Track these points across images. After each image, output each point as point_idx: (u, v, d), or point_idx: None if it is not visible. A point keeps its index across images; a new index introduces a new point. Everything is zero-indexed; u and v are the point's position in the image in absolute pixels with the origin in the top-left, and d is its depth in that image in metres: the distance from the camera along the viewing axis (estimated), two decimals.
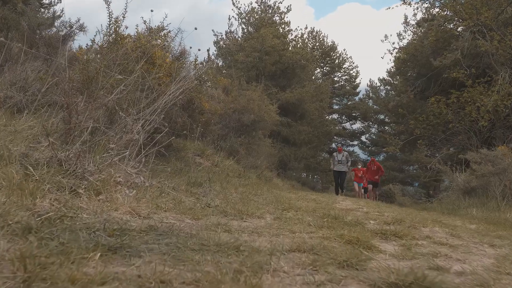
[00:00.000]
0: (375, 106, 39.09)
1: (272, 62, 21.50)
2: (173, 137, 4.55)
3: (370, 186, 15.86)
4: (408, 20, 20.46)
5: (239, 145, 11.21)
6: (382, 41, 18.92)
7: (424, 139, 15.39)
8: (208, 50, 25.16)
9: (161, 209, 2.89)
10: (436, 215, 5.97)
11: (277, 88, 19.37)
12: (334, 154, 15.20)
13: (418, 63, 16.39)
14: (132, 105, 3.67)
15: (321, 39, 38.29)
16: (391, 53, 18.93)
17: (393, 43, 18.77)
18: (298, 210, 3.66)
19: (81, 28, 7.13)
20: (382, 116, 38.96)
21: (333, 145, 43.36)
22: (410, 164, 34.99)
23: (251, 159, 11.75)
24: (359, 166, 16.23)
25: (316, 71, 36.30)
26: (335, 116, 42.04)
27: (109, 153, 3.22)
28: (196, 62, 5.56)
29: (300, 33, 24.98)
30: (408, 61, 16.56)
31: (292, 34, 24.27)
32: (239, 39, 24.34)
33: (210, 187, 5.11)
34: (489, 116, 12.89)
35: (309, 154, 28.06)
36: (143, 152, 3.60)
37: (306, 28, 27.66)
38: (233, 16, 24.34)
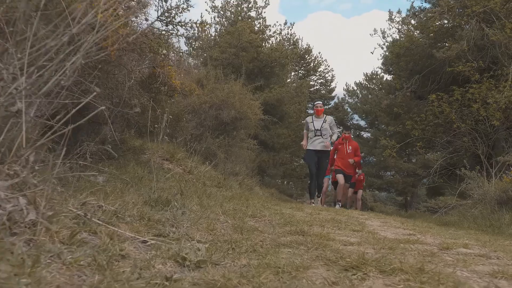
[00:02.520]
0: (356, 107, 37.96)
1: (249, 59, 19.64)
2: (113, 109, 2.55)
3: (339, 177, 10.42)
4: (393, 17, 18.93)
5: (217, 147, 9.21)
6: (371, 35, 17.36)
7: (423, 141, 13.63)
8: None
9: None
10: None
11: (254, 85, 17.48)
12: (308, 119, 9.55)
13: (413, 58, 14.69)
14: (12, 36, 1.70)
15: (296, 41, 36.68)
16: (382, 48, 17.34)
17: (384, 38, 17.02)
18: (380, 270, 1.74)
19: None
20: (359, 120, 37.86)
21: None
22: (388, 170, 33.86)
23: (230, 164, 9.79)
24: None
25: (291, 74, 34.75)
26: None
27: None
28: None
29: (279, 29, 23.10)
30: (402, 55, 14.88)
31: (270, 30, 22.44)
32: (213, 34, 22.45)
33: (183, 206, 3.13)
34: (499, 115, 11.26)
35: (288, 160, 26.40)
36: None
37: (285, 23, 25.92)
38: (206, 10, 22.40)
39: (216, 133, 9.46)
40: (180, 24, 3.36)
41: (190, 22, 3.35)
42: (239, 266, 1.68)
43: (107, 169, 3.58)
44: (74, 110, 1.70)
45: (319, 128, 9.17)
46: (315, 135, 9.17)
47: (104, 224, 1.90)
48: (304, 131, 9.63)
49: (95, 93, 1.79)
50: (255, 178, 12.03)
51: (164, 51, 3.52)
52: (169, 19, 3.31)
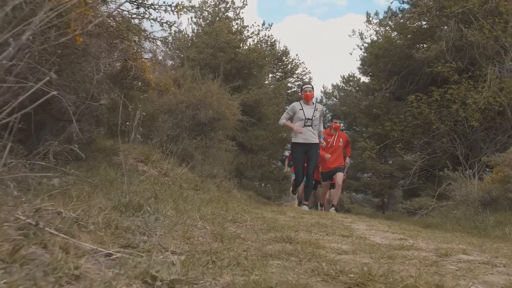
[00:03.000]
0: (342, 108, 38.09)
1: (227, 60, 19.40)
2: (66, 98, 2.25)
3: (340, 175, 8.76)
4: (371, 19, 18.91)
5: (194, 149, 8.89)
6: (349, 36, 17.35)
7: (402, 142, 13.54)
8: None
9: None
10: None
11: (232, 85, 17.24)
12: (296, 105, 7.84)
13: (391, 58, 14.62)
14: None
15: (273, 43, 36.48)
16: (361, 48, 17.32)
17: (362, 39, 16.92)
18: None
19: None
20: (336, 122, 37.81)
21: (286, 153, 41.91)
22: (365, 171, 34.00)
23: (207, 166, 9.48)
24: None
25: (268, 76, 34.59)
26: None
27: None
28: None
29: (257, 30, 22.83)
30: (381, 56, 14.80)
31: (248, 31, 22.21)
32: (191, 34, 22.16)
33: (157, 211, 2.84)
34: (478, 115, 11.25)
35: (266, 162, 26.21)
36: None
37: (263, 24, 25.26)
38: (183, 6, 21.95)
39: (193, 134, 9.13)
40: (152, 6, 3.04)
41: (164, 5, 3.04)
42: (222, 285, 1.40)
43: (73, 171, 3.26)
44: (21, 98, 1.41)
45: (310, 117, 7.49)
46: (305, 125, 7.47)
47: (60, 234, 1.60)
48: (283, 120, 7.93)
49: (47, 79, 1.50)
50: (233, 180, 11.76)
51: (135, 37, 3.20)
52: (140, 1, 2.98)
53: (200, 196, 5.56)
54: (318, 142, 7.75)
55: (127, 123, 3.21)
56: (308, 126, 7.56)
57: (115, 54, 3.37)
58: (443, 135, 12.56)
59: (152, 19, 3.03)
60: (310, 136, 7.57)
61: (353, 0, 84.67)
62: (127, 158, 6.24)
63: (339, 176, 8.80)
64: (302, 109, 7.66)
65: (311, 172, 7.77)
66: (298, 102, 7.92)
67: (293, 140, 7.75)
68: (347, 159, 9.59)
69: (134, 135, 3.17)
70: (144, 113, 3.24)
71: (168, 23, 3.33)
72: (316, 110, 7.75)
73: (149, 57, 3.87)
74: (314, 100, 8.08)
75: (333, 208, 8.75)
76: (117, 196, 3.00)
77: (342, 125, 36.51)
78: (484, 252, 2.80)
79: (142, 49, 3.59)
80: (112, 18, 2.80)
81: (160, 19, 3.08)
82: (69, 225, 1.81)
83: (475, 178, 7.79)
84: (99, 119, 3.61)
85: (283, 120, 8.02)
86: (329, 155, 8.75)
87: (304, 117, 7.56)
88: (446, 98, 11.95)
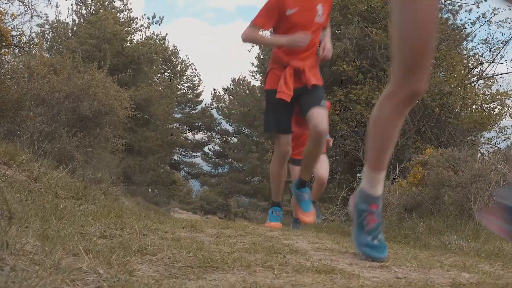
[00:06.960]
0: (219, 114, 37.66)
1: (113, 53, 17.63)
2: None
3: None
4: None
5: (74, 148, 7.35)
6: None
7: None
8: None
9: None
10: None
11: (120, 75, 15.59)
12: None
13: None
14: None
15: (164, 37, 34.83)
16: (260, 47, 16.72)
17: None
18: None
19: None
20: (226, 125, 37.63)
21: (175, 157, 40.56)
22: (255, 175, 33.95)
23: (91, 169, 8.00)
24: None
25: (158, 76, 32.87)
26: (178, 125, 39.41)
27: None
28: None
29: (147, 23, 21.18)
30: None
31: (137, 23, 20.58)
32: (71, 23, 19.99)
33: (5, 245, 1.51)
34: None
35: (155, 165, 24.71)
36: None
37: (154, 17, 23.08)
38: None
39: (73, 130, 7.56)
40: None
41: None
42: None
43: None
44: None
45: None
46: None
47: None
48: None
49: None
50: (120, 186, 10.30)
51: None
52: None
53: (83, 207, 4.14)
54: None
55: None
56: None
57: None
58: (346, 137, 12.25)
59: None
60: None
61: (240, 7, 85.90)
62: None
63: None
64: None
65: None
66: None
67: None
68: None
69: None
70: None
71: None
72: None
73: None
74: None
75: None
76: None
77: (232, 129, 36.26)
78: None
79: None
80: None
81: None
82: None
83: (397, 181, 7.30)
84: None
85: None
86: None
87: None
88: (349, 99, 11.62)
